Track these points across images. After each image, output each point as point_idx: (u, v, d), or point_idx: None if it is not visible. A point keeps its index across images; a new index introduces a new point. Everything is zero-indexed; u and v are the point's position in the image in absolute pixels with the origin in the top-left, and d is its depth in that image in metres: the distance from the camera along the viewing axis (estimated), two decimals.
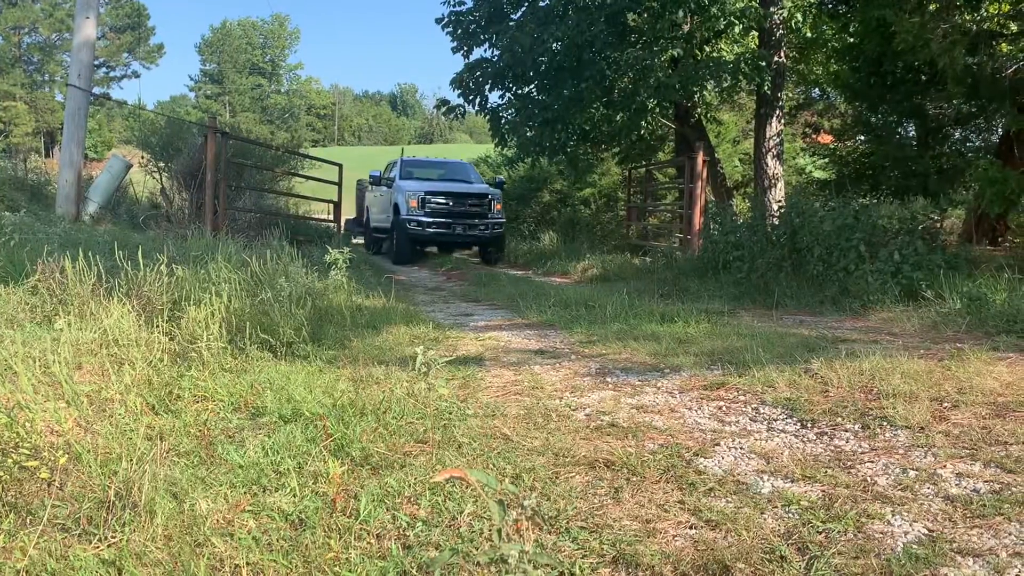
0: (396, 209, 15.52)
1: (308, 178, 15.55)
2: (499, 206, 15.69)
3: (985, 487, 2.66)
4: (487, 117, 15.28)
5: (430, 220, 14.98)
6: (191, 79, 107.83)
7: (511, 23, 14.55)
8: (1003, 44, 9.78)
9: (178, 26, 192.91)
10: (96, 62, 40.49)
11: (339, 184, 15.74)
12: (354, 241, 19.54)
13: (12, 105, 57.48)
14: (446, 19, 15.18)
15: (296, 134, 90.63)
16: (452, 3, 15.42)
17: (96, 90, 46.48)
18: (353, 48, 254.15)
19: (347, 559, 2.23)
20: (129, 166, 13.54)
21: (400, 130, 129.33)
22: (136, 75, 68.17)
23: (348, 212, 24.43)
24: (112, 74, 66.21)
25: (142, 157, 13.72)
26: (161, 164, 13.15)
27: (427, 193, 15.02)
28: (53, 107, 58.03)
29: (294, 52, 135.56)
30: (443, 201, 15.10)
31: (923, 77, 12.13)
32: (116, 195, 13.34)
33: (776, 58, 13.10)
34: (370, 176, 17.45)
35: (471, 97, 14.79)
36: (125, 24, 64.49)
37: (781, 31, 13.33)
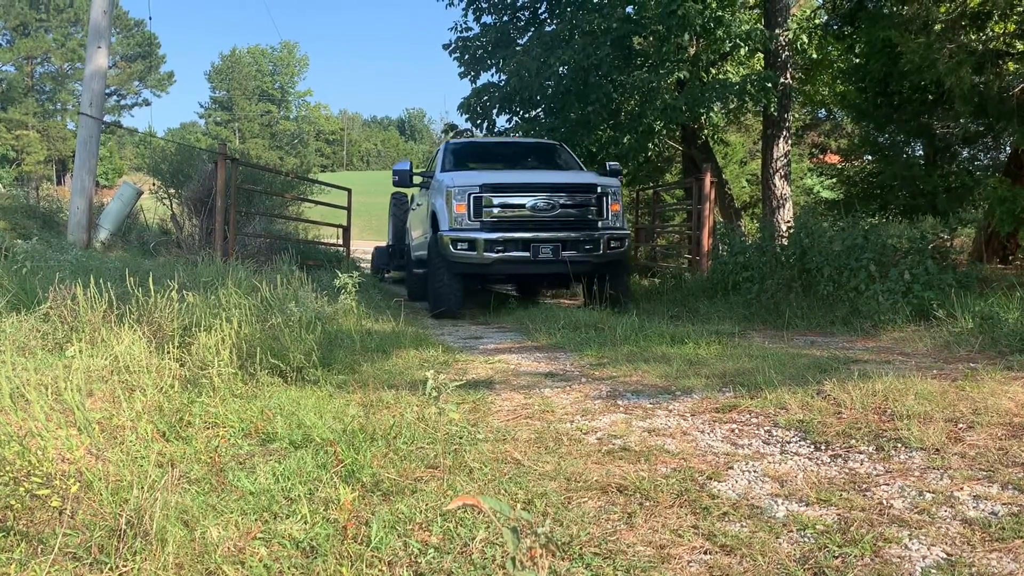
0: (434, 222, 9.77)
1: (317, 203, 15.21)
2: (616, 207, 9.58)
3: (1003, 509, 2.62)
4: None
5: (492, 236, 9.06)
6: (201, 106, 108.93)
7: (517, 48, 14.69)
8: (1010, 63, 9.80)
9: (188, 54, 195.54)
10: (107, 90, 41.03)
11: (348, 209, 15.79)
12: (387, 276, 15.76)
13: (24, 134, 58.10)
14: (453, 45, 15.35)
15: (305, 160, 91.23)
16: (459, 29, 15.61)
17: (107, 118, 47.04)
18: (361, 74, 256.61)
19: None
20: (140, 193, 13.66)
21: (408, 154, 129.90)
22: (147, 103, 68.79)
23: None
24: (123, 102, 66.90)
25: (153, 184, 13.85)
26: (171, 191, 13.25)
27: (485, 188, 9.22)
28: (65, 135, 58.62)
29: (303, 79, 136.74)
30: (516, 201, 9.25)
31: (930, 96, 12.16)
32: (127, 222, 13.44)
33: (782, 79, 13.16)
34: (394, 173, 10.72)
35: (479, 121, 14.90)
36: (136, 53, 65.23)
37: (787, 52, 13.39)
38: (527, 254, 9.14)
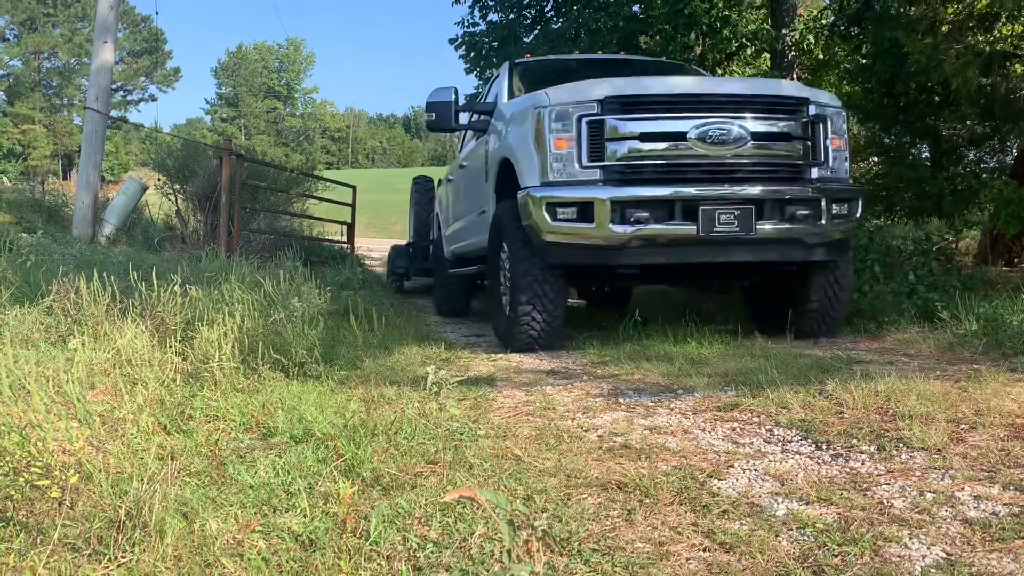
0: (502, 180, 6.26)
1: (322, 200, 15.18)
2: (839, 142, 5.80)
3: (1004, 510, 2.62)
4: None
5: (625, 194, 5.36)
6: (207, 102, 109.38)
7: (524, 45, 14.67)
8: (1017, 65, 9.76)
9: (195, 50, 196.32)
10: (114, 86, 41.15)
11: (352, 206, 15.78)
12: (408, 283, 13.29)
13: (31, 128, 58.34)
14: (460, 40, 15.35)
15: (311, 156, 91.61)
16: (466, 25, 15.61)
17: (114, 113, 47.18)
18: (367, 72, 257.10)
19: None
20: (145, 188, 13.67)
21: (414, 152, 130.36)
22: (153, 98, 69.33)
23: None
24: (129, 97, 67.14)
25: (158, 179, 13.85)
26: (177, 186, 13.27)
27: (610, 105, 5.43)
28: (71, 130, 58.86)
29: (309, 76, 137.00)
30: (671, 128, 5.40)
31: (936, 98, 12.11)
32: (132, 217, 13.46)
33: (788, 79, 13.13)
34: (428, 108, 6.90)
35: None
36: (143, 48, 65.42)
37: (793, 53, 13.38)
38: (691, 227, 5.29)
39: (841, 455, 3.27)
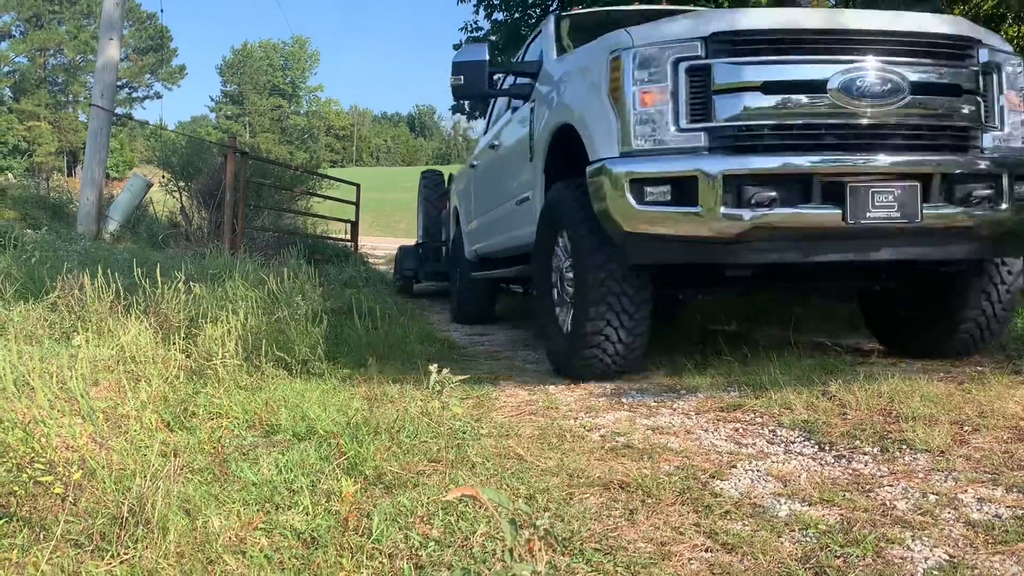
0: (556, 145, 4.88)
1: (327, 198, 15.19)
2: (1015, 100, 4.24)
3: (1007, 512, 2.61)
4: None
5: (741, 166, 3.89)
6: (212, 100, 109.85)
7: None
8: None
9: (200, 48, 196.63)
10: (119, 83, 41.27)
11: (356, 204, 15.81)
12: (417, 286, 12.17)
13: (36, 125, 58.50)
14: (464, 44, 15.35)
15: (315, 155, 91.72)
16: (470, 29, 15.64)
17: (119, 110, 47.26)
18: (372, 70, 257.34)
19: None
20: (149, 185, 13.70)
21: (418, 151, 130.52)
22: (158, 96, 69.32)
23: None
24: (134, 95, 67.29)
25: (162, 176, 13.88)
26: (181, 183, 13.30)
27: (720, 44, 3.95)
28: (76, 127, 58.99)
29: (314, 74, 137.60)
30: (803, 76, 3.91)
31: None
32: (136, 214, 13.49)
33: None
34: (456, 70, 5.43)
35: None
36: (148, 46, 65.52)
37: None
38: (835, 211, 3.96)
39: (844, 456, 3.27)
